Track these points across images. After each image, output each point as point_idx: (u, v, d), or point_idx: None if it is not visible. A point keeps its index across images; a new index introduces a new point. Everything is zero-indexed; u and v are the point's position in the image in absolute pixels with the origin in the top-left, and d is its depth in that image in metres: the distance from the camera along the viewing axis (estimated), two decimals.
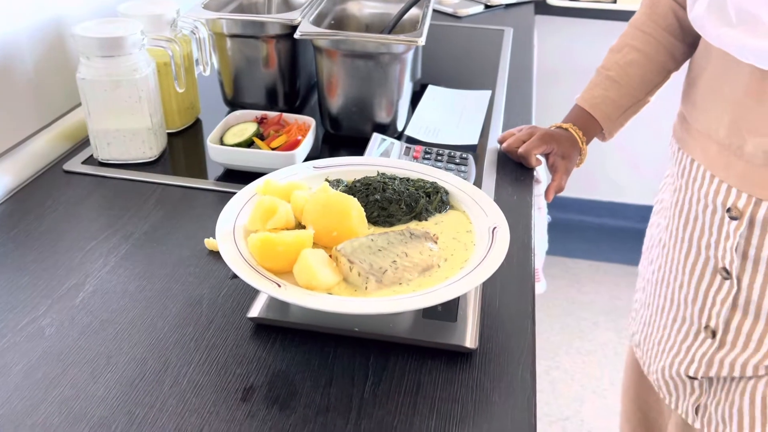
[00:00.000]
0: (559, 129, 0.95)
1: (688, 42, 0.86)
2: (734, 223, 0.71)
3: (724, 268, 0.73)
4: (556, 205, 2.33)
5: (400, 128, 1.05)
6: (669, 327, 0.81)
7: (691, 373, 0.78)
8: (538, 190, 0.97)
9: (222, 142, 0.93)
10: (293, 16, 1.01)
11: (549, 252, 1.91)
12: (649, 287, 0.87)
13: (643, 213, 2.39)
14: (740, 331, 0.73)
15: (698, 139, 0.75)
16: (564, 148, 0.93)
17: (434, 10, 1.63)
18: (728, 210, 0.71)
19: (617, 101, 0.90)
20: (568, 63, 2.10)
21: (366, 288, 0.61)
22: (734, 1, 0.65)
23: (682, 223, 0.79)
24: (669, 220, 0.83)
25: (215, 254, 0.76)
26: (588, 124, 0.93)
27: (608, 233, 2.42)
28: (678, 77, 0.91)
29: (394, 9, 1.13)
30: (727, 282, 0.73)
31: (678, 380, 0.81)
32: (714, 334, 0.75)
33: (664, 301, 0.83)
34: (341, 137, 1.05)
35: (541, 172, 0.98)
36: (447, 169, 0.90)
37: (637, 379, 0.96)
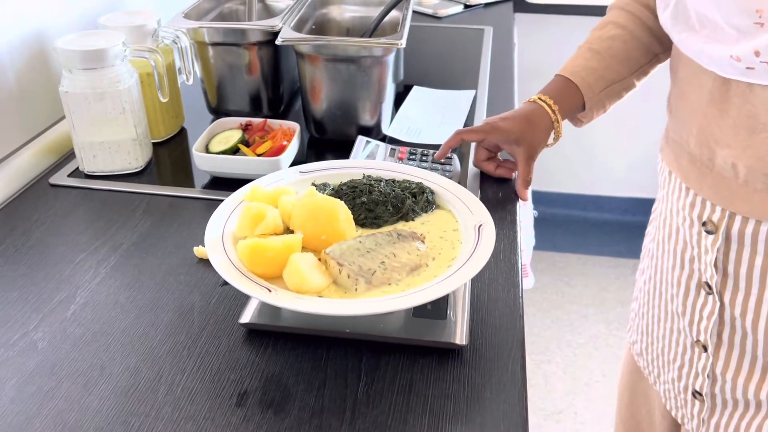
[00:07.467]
0: (526, 104, 0.86)
1: None
2: (710, 237, 0.67)
3: (707, 283, 0.69)
4: (542, 200, 2.35)
5: (384, 130, 1.06)
6: (667, 338, 0.78)
7: (697, 387, 0.74)
8: None
9: (207, 150, 0.93)
10: (274, 23, 1.02)
11: (536, 247, 1.93)
12: (642, 297, 0.84)
13: (628, 205, 2.41)
14: (732, 345, 0.69)
15: (673, 148, 0.72)
16: (516, 130, 0.84)
17: (414, 12, 1.64)
18: (704, 224, 0.68)
19: (599, 71, 0.83)
20: (549, 60, 2.11)
21: (356, 289, 0.61)
22: (694, 6, 0.62)
23: (666, 234, 0.76)
24: (656, 231, 0.80)
25: (205, 262, 0.76)
26: (566, 95, 0.84)
27: (594, 226, 2.44)
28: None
29: (374, 12, 1.14)
30: (711, 297, 0.69)
31: (686, 397, 0.77)
32: (705, 348, 0.72)
33: (658, 312, 0.80)
34: (326, 141, 1.05)
35: None
36: (432, 169, 0.91)
37: (633, 387, 0.92)
